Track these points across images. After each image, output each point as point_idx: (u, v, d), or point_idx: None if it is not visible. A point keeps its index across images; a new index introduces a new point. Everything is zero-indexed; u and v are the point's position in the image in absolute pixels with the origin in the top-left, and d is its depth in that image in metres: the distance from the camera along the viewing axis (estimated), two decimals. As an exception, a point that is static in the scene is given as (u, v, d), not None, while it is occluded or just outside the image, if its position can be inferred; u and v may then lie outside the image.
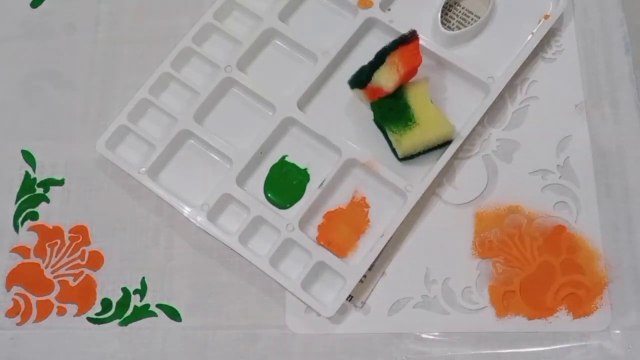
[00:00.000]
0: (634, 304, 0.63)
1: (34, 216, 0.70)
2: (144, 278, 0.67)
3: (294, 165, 0.69)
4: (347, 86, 0.70)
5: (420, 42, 0.70)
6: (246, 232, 0.66)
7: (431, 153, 0.67)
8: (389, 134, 0.66)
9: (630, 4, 0.72)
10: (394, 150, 0.68)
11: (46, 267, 0.69)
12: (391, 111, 0.66)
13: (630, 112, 0.68)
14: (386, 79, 0.66)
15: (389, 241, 0.65)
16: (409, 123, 0.65)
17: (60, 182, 0.71)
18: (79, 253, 0.69)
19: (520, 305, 0.63)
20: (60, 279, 0.68)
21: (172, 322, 0.66)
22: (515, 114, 0.69)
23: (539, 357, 0.62)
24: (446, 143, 0.67)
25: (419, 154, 0.67)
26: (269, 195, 0.68)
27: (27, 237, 0.70)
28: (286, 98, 0.69)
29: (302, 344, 0.64)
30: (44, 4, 0.78)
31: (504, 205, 0.66)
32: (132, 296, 0.67)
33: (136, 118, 0.71)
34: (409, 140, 0.65)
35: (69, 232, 0.69)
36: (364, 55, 0.72)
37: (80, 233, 0.69)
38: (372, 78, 0.66)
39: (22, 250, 0.69)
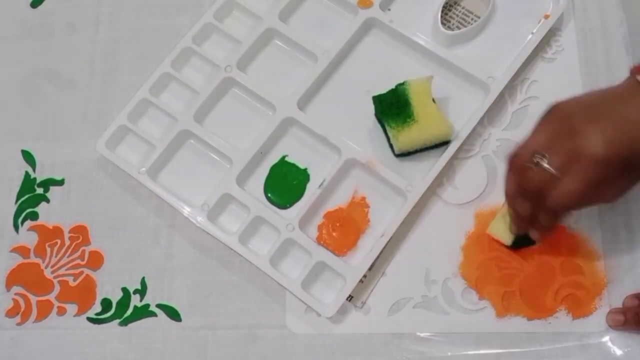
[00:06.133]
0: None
1: (34, 216, 0.70)
2: (144, 278, 0.67)
3: (294, 165, 0.69)
4: (347, 86, 0.70)
5: (420, 42, 0.70)
6: (246, 232, 0.66)
7: (431, 153, 0.67)
8: (387, 129, 0.66)
9: (630, 4, 0.72)
10: (391, 146, 0.68)
11: (46, 267, 0.69)
12: (392, 107, 0.66)
13: (630, 112, 0.68)
14: None
15: (389, 241, 0.65)
16: (408, 120, 0.65)
17: (60, 182, 0.71)
18: (79, 253, 0.69)
19: (520, 305, 0.63)
20: (60, 279, 0.68)
21: (172, 322, 0.66)
22: (515, 114, 0.69)
23: (539, 357, 0.62)
24: (444, 143, 0.67)
25: (415, 151, 0.67)
26: (269, 195, 0.68)
27: (27, 237, 0.70)
28: (286, 98, 0.69)
29: (302, 344, 0.64)
30: (44, 4, 0.78)
31: (504, 205, 0.66)
32: (132, 296, 0.67)
33: (136, 118, 0.71)
34: (406, 137, 0.65)
35: (69, 232, 0.69)
36: (364, 55, 0.72)
37: (80, 233, 0.69)
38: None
39: (22, 250, 0.69)
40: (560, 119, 0.54)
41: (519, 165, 0.55)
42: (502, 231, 0.63)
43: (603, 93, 0.55)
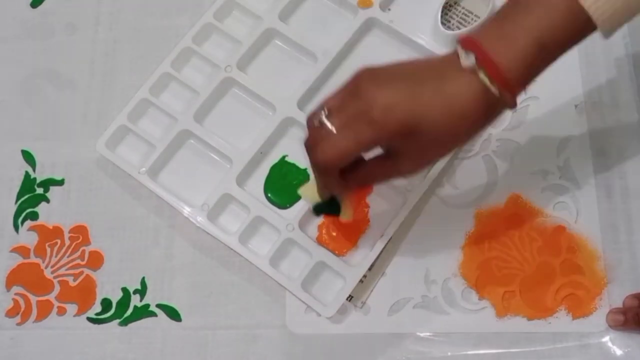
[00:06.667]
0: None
1: (34, 216, 0.70)
2: (144, 278, 0.67)
3: (294, 165, 0.69)
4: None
5: (420, 42, 0.70)
6: (246, 232, 0.66)
7: (431, 153, 0.67)
8: None
9: (630, 4, 0.72)
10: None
11: (46, 267, 0.69)
12: None
13: (630, 112, 0.68)
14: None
15: (389, 241, 0.65)
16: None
17: (60, 182, 0.71)
18: (79, 253, 0.69)
19: (520, 305, 0.63)
20: (60, 279, 0.68)
21: (172, 322, 0.66)
22: (515, 114, 0.69)
23: (539, 357, 0.62)
24: (445, 143, 0.67)
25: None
26: (269, 195, 0.68)
27: (27, 237, 0.70)
28: (286, 98, 0.69)
29: (302, 344, 0.64)
30: (44, 4, 0.78)
31: (504, 205, 0.66)
32: (132, 296, 0.67)
33: (136, 118, 0.71)
34: None
35: (69, 232, 0.69)
36: (364, 55, 0.72)
37: (80, 233, 0.69)
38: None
39: (22, 250, 0.69)
40: (354, 81, 0.52)
41: (308, 122, 0.53)
42: (311, 193, 0.59)
43: (420, 63, 0.52)
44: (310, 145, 0.53)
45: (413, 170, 0.54)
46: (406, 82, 0.50)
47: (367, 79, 0.51)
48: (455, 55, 0.50)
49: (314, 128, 0.52)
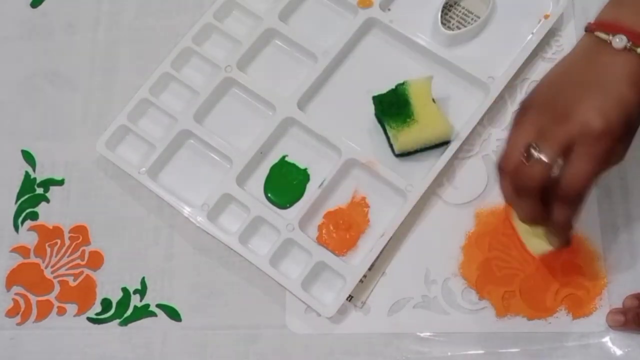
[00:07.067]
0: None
1: (34, 216, 0.70)
2: (144, 278, 0.67)
3: (294, 165, 0.69)
4: (347, 86, 0.70)
5: (420, 42, 0.70)
6: (246, 232, 0.66)
7: (431, 153, 0.67)
8: (387, 129, 0.66)
9: (630, 4, 0.72)
10: (391, 146, 0.68)
11: (46, 267, 0.69)
12: (392, 106, 0.66)
13: (630, 112, 0.68)
14: None
15: (389, 241, 0.65)
16: (408, 120, 0.65)
17: (60, 182, 0.71)
18: (79, 253, 0.69)
19: (520, 305, 0.63)
20: (60, 279, 0.68)
21: (172, 322, 0.66)
22: (515, 114, 0.69)
23: (539, 357, 0.62)
24: (444, 143, 0.67)
25: (416, 151, 0.67)
26: (269, 195, 0.68)
27: (27, 237, 0.70)
28: (286, 98, 0.69)
29: (302, 344, 0.64)
30: (44, 4, 0.78)
31: (504, 205, 0.66)
32: (132, 296, 0.67)
33: (136, 118, 0.71)
34: (406, 137, 0.65)
35: (69, 232, 0.69)
36: (364, 55, 0.72)
37: (80, 233, 0.69)
38: None
39: (22, 250, 0.69)
40: (540, 110, 0.53)
41: (512, 166, 0.53)
42: (544, 244, 0.59)
43: (567, 67, 0.54)
44: (534, 187, 0.52)
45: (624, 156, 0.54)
46: (585, 86, 0.52)
47: (554, 101, 0.52)
48: (596, 44, 0.53)
49: (527, 167, 0.52)
